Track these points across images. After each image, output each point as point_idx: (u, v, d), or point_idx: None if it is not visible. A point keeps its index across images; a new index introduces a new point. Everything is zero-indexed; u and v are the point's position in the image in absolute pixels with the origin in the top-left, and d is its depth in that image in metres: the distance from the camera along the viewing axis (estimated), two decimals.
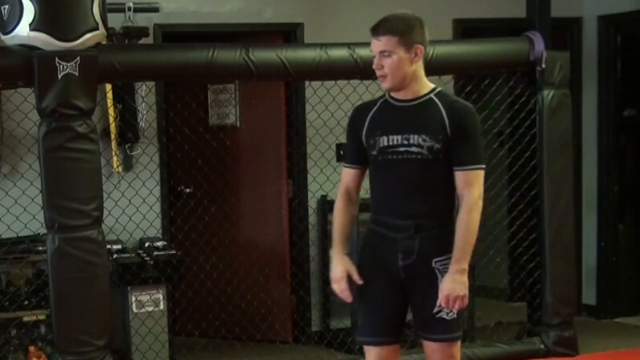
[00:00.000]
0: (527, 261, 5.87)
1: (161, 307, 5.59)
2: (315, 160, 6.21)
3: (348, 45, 5.29)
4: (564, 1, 6.60)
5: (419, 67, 3.63)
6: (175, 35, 6.14)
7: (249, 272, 6.37)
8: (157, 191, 5.98)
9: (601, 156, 6.95)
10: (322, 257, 6.41)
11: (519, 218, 6.00)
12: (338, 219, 3.77)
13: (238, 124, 6.54)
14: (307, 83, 6.09)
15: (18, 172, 5.29)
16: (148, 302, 5.56)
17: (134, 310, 5.55)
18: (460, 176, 3.56)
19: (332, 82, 5.68)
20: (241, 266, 6.39)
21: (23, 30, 4.66)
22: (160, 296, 5.59)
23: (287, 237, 6.48)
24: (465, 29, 6.65)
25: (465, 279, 3.56)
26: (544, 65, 5.64)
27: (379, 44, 3.60)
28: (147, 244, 5.81)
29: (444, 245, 3.58)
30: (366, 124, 3.67)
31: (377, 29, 3.63)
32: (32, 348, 5.41)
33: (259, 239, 6.53)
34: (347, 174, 3.77)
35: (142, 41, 5.89)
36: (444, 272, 3.58)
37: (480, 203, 3.58)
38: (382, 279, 3.67)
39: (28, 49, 4.68)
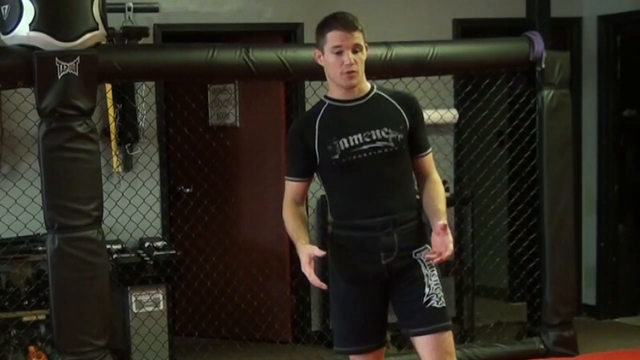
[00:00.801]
0: (527, 261, 5.87)
1: (161, 307, 5.59)
2: None
3: None
4: (563, 1, 6.60)
5: None
6: (175, 35, 6.14)
7: (248, 272, 6.37)
8: (157, 191, 5.98)
9: (601, 156, 6.95)
10: (321, 257, 6.40)
11: (518, 218, 6.00)
12: (291, 220, 3.67)
13: (238, 124, 6.54)
14: (307, 83, 6.08)
15: (18, 172, 5.29)
16: (148, 302, 5.56)
17: (134, 310, 5.55)
18: (425, 161, 3.68)
19: None
20: (241, 266, 6.39)
21: (23, 30, 4.66)
22: (160, 296, 5.59)
23: (286, 237, 6.42)
24: (465, 29, 6.65)
25: (450, 241, 3.51)
26: (543, 65, 5.64)
27: (352, 39, 3.55)
28: (147, 244, 5.81)
29: (420, 236, 3.63)
30: (316, 132, 3.60)
31: (349, 24, 3.57)
32: (32, 348, 5.41)
33: (258, 239, 6.53)
34: (293, 187, 3.70)
35: (142, 41, 5.89)
36: (426, 262, 3.59)
37: (440, 179, 3.72)
38: (359, 284, 3.63)
39: (28, 49, 4.67)
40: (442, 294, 3.61)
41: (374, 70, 5.32)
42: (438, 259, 3.53)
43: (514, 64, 5.72)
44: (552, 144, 5.71)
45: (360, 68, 3.56)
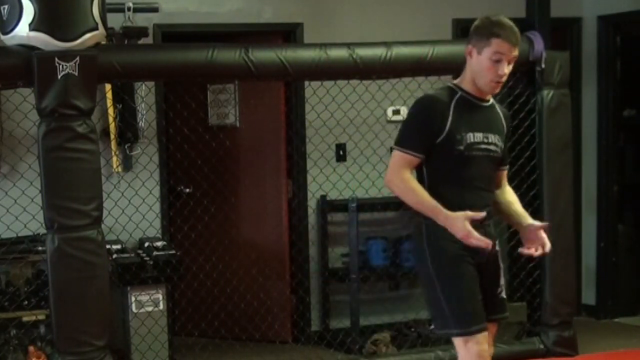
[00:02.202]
0: (527, 261, 5.86)
1: (161, 307, 5.59)
2: (314, 160, 6.21)
3: (348, 45, 5.29)
4: (563, 1, 6.60)
5: None
6: (175, 35, 6.14)
7: (248, 272, 6.37)
8: (156, 191, 5.98)
9: (601, 156, 6.95)
10: (321, 257, 6.41)
11: None
12: (419, 189, 3.69)
13: (237, 124, 6.54)
14: (306, 83, 6.09)
15: (18, 172, 5.29)
16: (147, 302, 5.56)
17: (134, 310, 5.54)
18: (504, 174, 3.98)
19: (332, 82, 5.68)
20: (241, 266, 6.39)
21: (23, 30, 4.65)
22: (160, 296, 5.59)
23: (286, 237, 6.48)
24: (465, 29, 6.59)
25: None
26: (543, 65, 5.64)
27: (514, 51, 3.73)
28: (146, 244, 5.81)
29: (497, 230, 3.91)
30: (449, 118, 3.70)
31: (515, 38, 3.74)
32: (31, 348, 5.41)
33: (258, 239, 6.53)
34: (410, 161, 3.71)
35: (142, 41, 5.89)
36: (500, 254, 3.91)
37: None
38: (472, 266, 3.76)
39: (28, 49, 4.67)
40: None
41: (374, 70, 5.35)
42: (537, 253, 3.80)
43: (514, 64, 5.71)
44: (552, 144, 5.71)
45: (505, 80, 3.78)
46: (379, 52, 5.30)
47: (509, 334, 6.06)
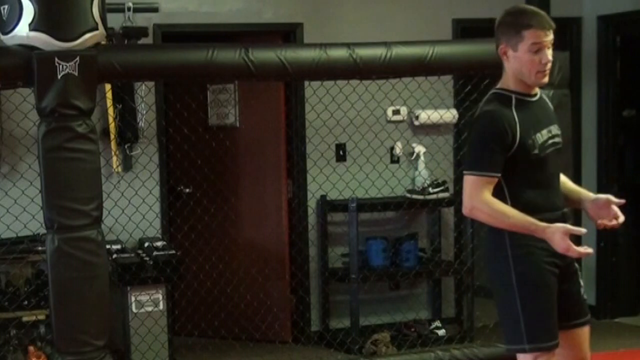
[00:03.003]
0: None
1: (160, 307, 5.59)
2: (314, 160, 6.21)
3: (347, 45, 5.28)
4: (563, 1, 6.61)
5: None
6: (175, 35, 6.14)
7: (248, 272, 6.37)
8: (156, 191, 5.98)
9: (600, 156, 6.95)
10: (321, 257, 6.41)
11: None
12: (511, 211, 3.53)
13: (237, 124, 6.54)
14: (306, 83, 6.09)
15: (17, 172, 5.29)
16: (147, 302, 5.56)
17: (134, 310, 5.54)
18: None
19: (332, 82, 5.68)
20: (240, 266, 6.39)
21: (22, 30, 4.65)
22: (160, 296, 5.59)
23: (286, 237, 6.48)
24: (465, 29, 6.65)
25: None
26: None
27: (550, 35, 3.56)
28: (146, 244, 5.81)
29: None
30: (518, 126, 3.56)
31: (547, 22, 3.56)
32: (31, 348, 5.41)
33: (258, 239, 6.53)
34: (489, 183, 3.54)
35: (142, 41, 5.90)
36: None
37: None
38: (554, 278, 3.63)
39: (27, 49, 4.67)
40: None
41: (374, 70, 5.34)
42: (612, 224, 3.79)
43: None
44: None
45: (550, 66, 3.60)
46: (379, 52, 5.30)
47: None
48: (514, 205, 3.57)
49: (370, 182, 6.19)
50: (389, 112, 6.50)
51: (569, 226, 3.50)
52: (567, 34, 6.97)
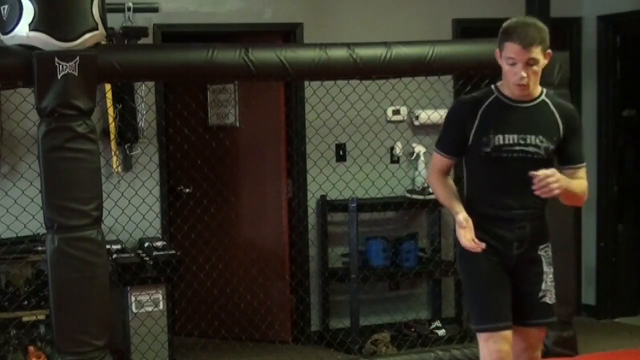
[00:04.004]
0: None
1: (160, 307, 5.59)
2: (314, 160, 6.21)
3: (347, 45, 5.29)
4: (563, 1, 6.60)
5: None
6: (175, 35, 6.14)
7: (248, 272, 6.37)
8: (156, 191, 5.98)
9: (600, 156, 6.95)
10: (321, 257, 6.41)
11: None
12: (441, 190, 3.88)
13: (237, 124, 6.54)
14: (306, 83, 6.09)
15: (17, 172, 5.29)
16: (147, 302, 5.56)
17: (134, 310, 5.54)
18: (570, 173, 3.77)
19: (332, 82, 5.68)
20: (240, 266, 6.39)
21: (22, 30, 4.65)
22: (160, 296, 5.59)
23: (286, 237, 6.48)
24: (465, 29, 6.65)
25: (562, 187, 3.62)
26: None
27: (527, 54, 3.65)
28: (146, 244, 5.81)
29: (545, 232, 3.86)
30: (477, 121, 3.76)
31: (526, 40, 3.65)
32: (31, 348, 5.41)
33: (258, 239, 6.53)
34: (442, 162, 3.89)
35: (142, 41, 5.89)
36: (546, 259, 3.84)
37: (587, 192, 3.85)
38: (495, 267, 3.80)
39: (27, 49, 4.67)
40: (554, 291, 3.87)
41: (374, 70, 5.35)
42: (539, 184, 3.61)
43: None
44: None
45: (533, 80, 3.70)
46: (379, 52, 5.30)
47: None
48: (468, 191, 3.86)
49: (370, 182, 6.19)
50: (389, 112, 6.50)
51: (463, 220, 3.69)
52: (567, 34, 6.97)
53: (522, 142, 3.72)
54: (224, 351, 6.18)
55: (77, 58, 4.68)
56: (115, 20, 5.71)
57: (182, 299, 6.41)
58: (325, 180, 6.16)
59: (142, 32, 5.87)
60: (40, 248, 5.34)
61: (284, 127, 6.44)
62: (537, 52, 3.65)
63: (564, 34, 6.92)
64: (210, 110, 6.61)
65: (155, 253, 5.62)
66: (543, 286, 3.84)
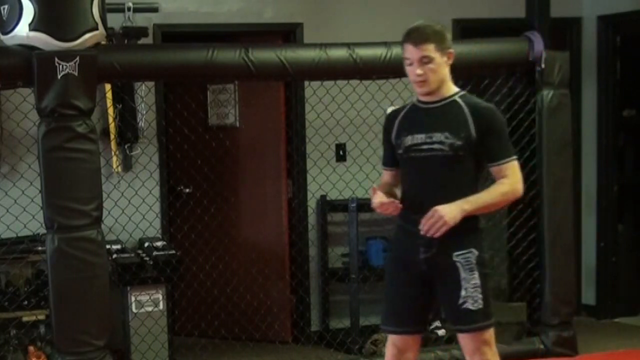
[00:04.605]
0: (527, 261, 5.87)
1: (160, 307, 5.59)
2: (314, 160, 6.21)
3: (347, 45, 5.29)
4: (563, 1, 6.60)
5: (448, 71, 3.85)
6: (175, 35, 6.14)
7: (248, 272, 6.37)
8: (156, 191, 5.98)
9: (600, 156, 6.95)
10: (321, 257, 6.41)
11: (518, 218, 5.99)
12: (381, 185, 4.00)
13: (237, 124, 6.54)
14: (306, 83, 6.09)
15: (17, 172, 5.29)
16: (147, 302, 5.56)
17: (134, 310, 5.54)
18: (495, 171, 3.82)
19: (332, 82, 5.68)
20: (240, 266, 6.39)
21: (22, 30, 4.65)
22: (160, 296, 5.59)
23: (286, 237, 6.47)
24: (465, 29, 6.64)
25: (457, 215, 3.67)
26: (543, 65, 5.64)
27: (419, 52, 3.76)
28: (146, 244, 5.81)
29: (464, 239, 3.78)
30: (395, 127, 3.94)
31: (417, 38, 3.77)
32: (31, 348, 5.41)
33: (258, 239, 6.53)
34: (384, 174, 4.08)
35: (142, 41, 5.89)
36: (465, 265, 3.77)
37: (518, 187, 3.82)
38: (403, 272, 3.89)
39: (27, 49, 4.67)
40: (480, 296, 3.78)
41: (374, 70, 5.35)
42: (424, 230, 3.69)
43: (514, 64, 5.72)
44: (551, 144, 5.71)
45: (432, 77, 3.77)
46: (379, 52, 5.31)
47: (509, 334, 6.06)
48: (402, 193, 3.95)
49: (370, 182, 6.18)
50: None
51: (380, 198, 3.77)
52: (567, 34, 6.96)
53: (428, 140, 3.79)
54: (224, 351, 6.18)
55: (77, 58, 4.68)
56: (115, 20, 5.71)
57: (182, 299, 6.41)
58: (325, 180, 6.16)
59: (142, 32, 5.87)
60: (40, 248, 5.34)
61: (284, 127, 6.43)
62: (429, 50, 3.73)
63: (564, 34, 6.92)
64: (210, 110, 6.61)
65: (155, 253, 5.62)
66: (463, 293, 3.76)
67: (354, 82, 5.67)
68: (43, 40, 4.65)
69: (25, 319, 5.41)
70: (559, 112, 5.73)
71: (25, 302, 5.35)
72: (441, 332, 6.26)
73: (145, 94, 5.98)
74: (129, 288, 5.53)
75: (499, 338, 5.95)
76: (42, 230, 5.02)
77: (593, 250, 7.03)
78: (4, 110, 5.59)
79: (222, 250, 6.30)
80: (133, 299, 5.54)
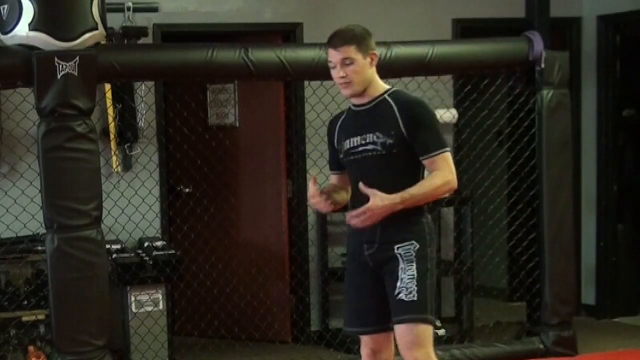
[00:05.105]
0: (527, 261, 5.87)
1: (160, 307, 5.59)
2: (314, 160, 6.20)
3: None
4: (563, 1, 6.60)
5: (374, 72, 3.91)
6: (175, 35, 6.14)
7: (248, 272, 6.37)
8: (156, 191, 5.98)
9: (600, 156, 6.95)
10: (321, 257, 6.41)
11: (518, 218, 6.00)
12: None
13: (237, 124, 6.54)
14: (306, 83, 6.08)
15: (17, 172, 5.29)
16: (147, 302, 5.55)
17: (134, 310, 5.54)
18: (428, 164, 3.80)
19: (332, 82, 5.64)
20: (240, 266, 6.39)
21: (22, 30, 4.66)
22: (160, 296, 5.59)
23: (286, 237, 6.47)
24: (465, 29, 6.65)
25: (387, 208, 3.68)
26: (543, 65, 5.64)
27: (340, 54, 3.80)
28: (146, 244, 5.81)
29: (405, 232, 3.79)
30: (336, 133, 3.98)
31: (338, 41, 3.82)
32: (31, 348, 5.41)
33: (258, 239, 6.52)
34: (331, 177, 4.11)
35: (142, 41, 5.89)
36: (405, 257, 3.76)
37: (451, 178, 3.78)
38: (356, 270, 3.93)
39: (27, 49, 4.68)
40: (415, 288, 3.73)
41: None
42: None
43: (514, 64, 5.72)
44: (551, 144, 5.71)
45: (356, 78, 3.81)
46: (378, 52, 5.28)
47: (508, 334, 6.06)
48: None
49: None
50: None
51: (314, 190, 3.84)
52: (567, 34, 6.96)
53: (363, 142, 3.83)
54: (224, 351, 6.18)
55: (77, 58, 4.69)
56: (115, 20, 5.71)
57: (182, 299, 6.40)
58: (325, 181, 6.14)
59: (142, 32, 5.87)
60: (40, 248, 5.34)
61: (284, 127, 6.43)
62: (350, 52, 3.78)
63: (564, 34, 6.92)
64: (210, 110, 6.61)
65: (155, 253, 5.62)
66: (398, 284, 3.74)
67: None
68: (43, 40, 4.66)
69: (25, 319, 5.41)
70: (559, 112, 5.74)
71: (25, 302, 5.35)
72: (441, 332, 6.26)
73: (145, 94, 5.98)
74: (129, 288, 5.52)
75: (499, 338, 5.99)
76: (42, 230, 5.02)
77: (593, 250, 7.03)
78: (4, 110, 5.59)
79: (222, 250, 6.30)
80: (133, 299, 5.54)
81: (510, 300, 7.40)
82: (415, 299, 3.72)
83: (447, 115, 6.40)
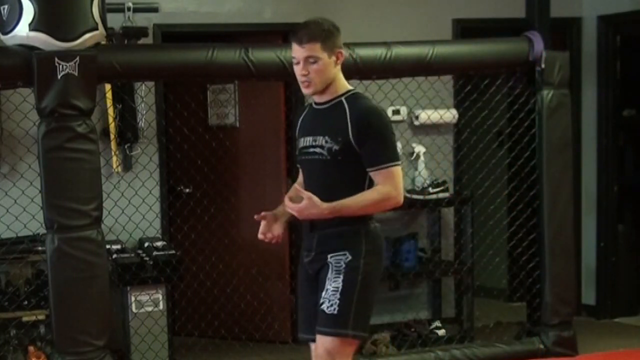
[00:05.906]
0: (527, 261, 5.87)
1: (160, 307, 5.59)
2: None
3: (347, 45, 5.27)
4: (563, 1, 6.61)
5: (338, 71, 3.75)
6: (175, 35, 6.14)
7: (248, 272, 6.37)
8: (156, 191, 5.98)
9: (600, 156, 6.95)
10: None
11: (518, 218, 6.00)
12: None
13: (237, 124, 6.54)
14: None
15: (17, 172, 5.29)
16: (147, 302, 5.56)
17: (134, 310, 5.54)
18: (373, 176, 3.67)
19: None
20: (240, 266, 6.39)
21: (22, 30, 4.66)
22: (160, 296, 5.59)
23: (286, 237, 6.47)
24: (465, 29, 6.65)
25: (318, 211, 3.59)
26: (543, 65, 5.64)
27: (304, 51, 3.69)
28: (146, 244, 5.81)
29: (341, 242, 3.70)
30: (298, 127, 3.90)
31: (302, 37, 3.71)
32: (31, 348, 5.41)
33: (258, 239, 6.51)
34: (300, 174, 3.98)
35: (142, 41, 5.89)
36: (335, 266, 3.69)
37: (393, 194, 3.66)
38: (301, 278, 3.93)
39: (27, 49, 4.67)
40: (337, 301, 3.65)
41: (374, 70, 5.35)
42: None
43: (514, 64, 5.72)
44: (551, 144, 5.71)
45: (317, 77, 3.67)
46: (379, 52, 5.31)
47: (508, 334, 6.06)
48: None
49: None
50: (389, 112, 6.49)
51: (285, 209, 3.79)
52: (567, 34, 6.96)
53: (313, 143, 3.73)
54: (224, 351, 6.18)
55: (77, 58, 4.68)
56: (115, 20, 5.71)
57: (182, 299, 6.40)
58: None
59: (142, 32, 5.87)
60: (40, 248, 5.34)
61: (284, 127, 6.43)
62: (314, 50, 3.65)
63: (564, 34, 6.92)
64: (210, 110, 6.61)
65: (155, 253, 5.62)
66: (323, 293, 3.67)
67: (354, 82, 5.63)
68: (43, 40, 4.66)
69: (25, 319, 5.41)
70: (559, 112, 5.74)
71: (25, 302, 5.35)
72: (441, 332, 6.27)
73: (145, 94, 5.98)
74: (129, 288, 5.53)
75: (499, 338, 5.99)
76: (42, 230, 5.01)
77: (593, 250, 7.03)
78: (4, 110, 5.59)
79: (222, 250, 6.30)
80: (133, 299, 5.54)
81: (510, 300, 7.40)
82: (335, 312, 3.63)
83: (447, 115, 6.41)
